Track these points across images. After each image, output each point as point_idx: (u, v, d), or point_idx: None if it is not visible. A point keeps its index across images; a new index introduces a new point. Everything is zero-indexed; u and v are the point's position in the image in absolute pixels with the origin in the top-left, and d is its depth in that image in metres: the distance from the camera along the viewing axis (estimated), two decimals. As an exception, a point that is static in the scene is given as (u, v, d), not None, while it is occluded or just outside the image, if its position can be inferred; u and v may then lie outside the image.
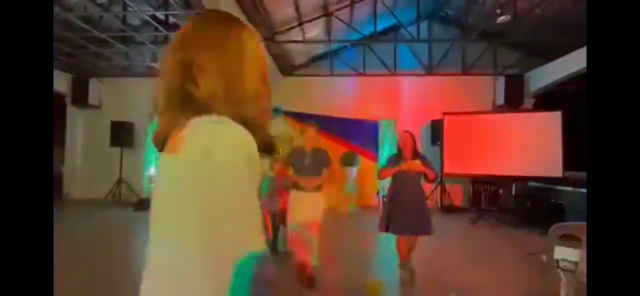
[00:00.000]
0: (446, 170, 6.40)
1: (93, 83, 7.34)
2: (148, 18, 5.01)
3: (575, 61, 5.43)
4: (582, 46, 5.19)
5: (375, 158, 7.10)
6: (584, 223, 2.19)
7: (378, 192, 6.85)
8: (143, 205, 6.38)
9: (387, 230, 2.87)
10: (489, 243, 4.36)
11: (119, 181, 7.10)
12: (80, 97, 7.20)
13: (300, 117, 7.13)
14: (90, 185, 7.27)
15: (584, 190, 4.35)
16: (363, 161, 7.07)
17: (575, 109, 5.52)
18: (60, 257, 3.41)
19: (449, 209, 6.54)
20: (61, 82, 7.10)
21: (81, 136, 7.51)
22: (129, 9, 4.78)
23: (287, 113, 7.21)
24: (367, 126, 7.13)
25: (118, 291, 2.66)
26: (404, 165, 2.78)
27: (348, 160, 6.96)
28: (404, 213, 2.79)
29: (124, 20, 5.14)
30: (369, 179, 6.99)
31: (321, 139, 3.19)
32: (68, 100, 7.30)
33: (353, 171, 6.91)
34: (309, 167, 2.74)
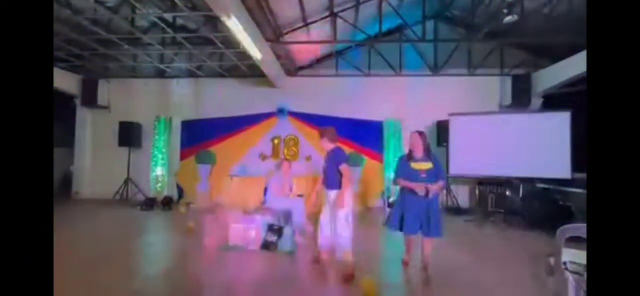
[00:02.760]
0: (452, 171, 6.35)
1: (102, 84, 7.47)
2: (156, 20, 5.09)
3: (583, 61, 5.35)
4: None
5: (379, 159, 7.09)
6: (593, 225, 2.16)
7: (382, 193, 6.83)
8: (150, 204, 6.48)
9: (399, 229, 2.88)
10: (495, 245, 4.32)
11: (127, 181, 7.21)
12: (90, 98, 7.34)
13: (306, 118, 7.17)
14: (98, 184, 7.40)
15: (593, 192, 4.29)
16: (367, 161, 7.06)
17: (583, 110, 5.43)
18: (68, 255, 3.48)
19: (454, 210, 6.49)
20: (71, 83, 7.24)
21: (90, 136, 7.64)
22: (137, 11, 4.86)
23: (292, 114, 7.25)
24: (372, 126, 7.13)
25: (123, 293, 2.71)
26: (417, 187, 2.78)
27: (352, 161, 6.97)
28: (415, 215, 2.79)
29: (132, 22, 5.22)
30: (374, 180, 6.98)
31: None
32: (77, 101, 7.45)
33: (357, 171, 6.91)
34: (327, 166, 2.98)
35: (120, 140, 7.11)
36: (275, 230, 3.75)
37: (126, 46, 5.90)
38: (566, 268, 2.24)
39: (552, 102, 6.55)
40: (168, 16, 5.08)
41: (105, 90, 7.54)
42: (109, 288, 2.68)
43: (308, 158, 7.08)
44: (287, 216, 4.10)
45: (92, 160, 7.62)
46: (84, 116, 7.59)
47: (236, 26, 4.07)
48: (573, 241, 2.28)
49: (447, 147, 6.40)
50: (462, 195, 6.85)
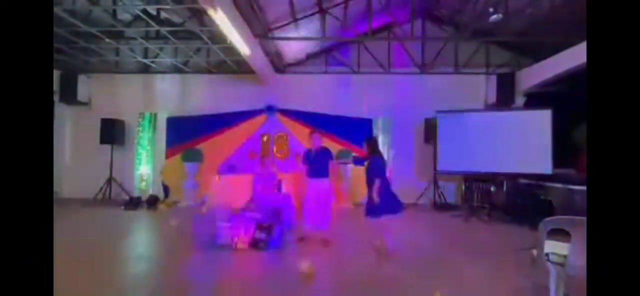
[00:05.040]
0: (439, 167, 6.46)
1: (82, 79, 7.17)
2: (139, 13, 4.91)
3: (564, 61, 5.54)
4: (570, 46, 5.30)
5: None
6: (572, 216, 2.24)
7: (372, 190, 6.87)
8: (134, 204, 6.28)
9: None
10: (481, 239, 4.43)
11: (110, 180, 6.97)
12: (69, 94, 7.02)
13: (295, 115, 7.11)
14: (79, 184, 7.11)
15: (571, 187, 4.46)
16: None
17: (563, 108, 5.65)
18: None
19: (441, 206, 6.61)
20: (48, 78, 6.90)
21: (69, 134, 7.33)
22: (119, 3, 4.68)
23: (281, 111, 7.19)
24: (362, 124, 7.15)
25: (108, 293, 2.61)
26: None
27: (342, 158, 6.96)
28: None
29: (114, 14, 5.02)
30: (363, 177, 6.99)
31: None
32: (56, 97, 7.11)
33: (348, 168, 6.92)
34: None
35: (102, 137, 6.85)
36: (265, 228, 3.71)
37: (108, 40, 5.67)
38: (548, 259, 2.33)
39: (534, 100, 6.76)
40: (152, 9, 4.91)
41: (86, 86, 7.24)
42: (91, 292, 2.57)
43: (298, 156, 7.04)
44: (277, 214, 4.06)
45: (72, 158, 7.31)
46: (62, 113, 7.26)
47: (223, 20, 3.98)
48: (554, 233, 2.36)
49: (434, 144, 6.50)
50: (449, 191, 6.99)
